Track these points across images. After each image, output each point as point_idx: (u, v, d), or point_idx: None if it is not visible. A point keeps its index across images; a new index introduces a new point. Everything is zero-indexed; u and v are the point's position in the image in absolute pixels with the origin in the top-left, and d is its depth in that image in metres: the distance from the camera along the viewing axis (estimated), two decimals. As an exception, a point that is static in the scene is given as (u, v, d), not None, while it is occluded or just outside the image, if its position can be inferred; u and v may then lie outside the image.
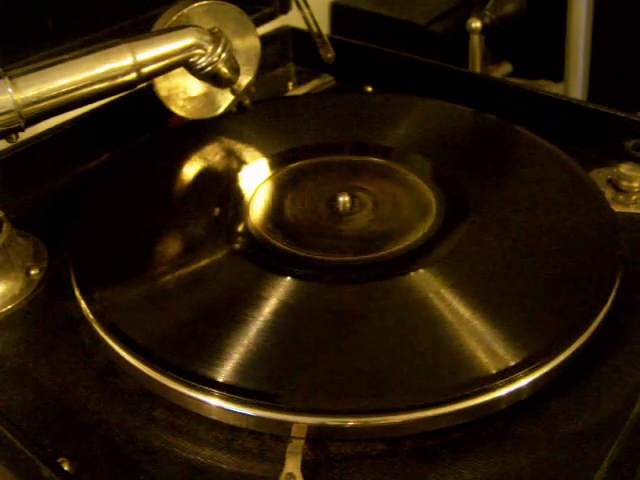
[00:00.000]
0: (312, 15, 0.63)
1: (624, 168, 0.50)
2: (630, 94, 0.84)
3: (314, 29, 0.63)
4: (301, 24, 0.66)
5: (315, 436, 0.35)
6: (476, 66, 0.66)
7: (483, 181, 0.49)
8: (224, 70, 0.51)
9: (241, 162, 0.53)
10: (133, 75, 0.46)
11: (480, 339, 0.37)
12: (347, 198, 0.48)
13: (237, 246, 0.45)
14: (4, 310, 0.44)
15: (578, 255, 0.42)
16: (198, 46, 0.49)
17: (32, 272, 0.46)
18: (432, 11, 0.93)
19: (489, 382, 0.35)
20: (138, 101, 0.58)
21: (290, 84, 0.69)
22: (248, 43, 0.56)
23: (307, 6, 0.62)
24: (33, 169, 0.55)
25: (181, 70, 0.52)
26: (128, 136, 0.59)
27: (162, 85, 0.54)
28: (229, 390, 0.35)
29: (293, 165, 0.53)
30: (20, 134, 0.44)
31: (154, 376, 0.37)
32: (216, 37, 0.50)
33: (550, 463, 0.34)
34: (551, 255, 0.42)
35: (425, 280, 0.40)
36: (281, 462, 0.34)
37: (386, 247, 0.44)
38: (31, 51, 0.54)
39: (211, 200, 0.48)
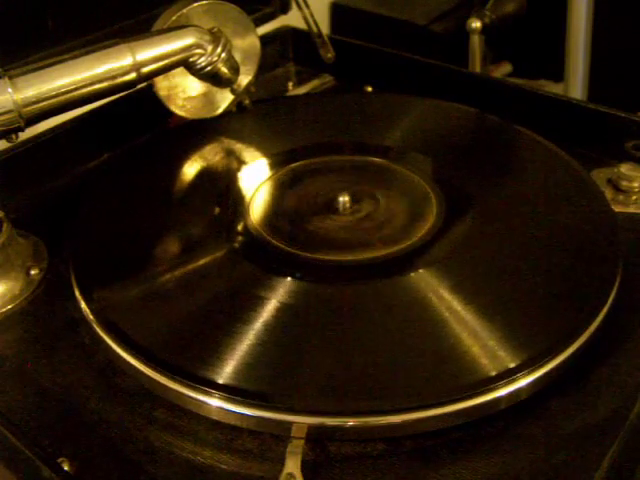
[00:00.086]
0: (312, 15, 0.63)
1: (624, 168, 0.50)
2: (630, 94, 0.84)
3: (314, 29, 0.63)
4: (301, 24, 0.66)
5: (315, 436, 0.35)
6: (476, 66, 0.66)
7: (483, 181, 0.49)
8: (224, 70, 0.51)
9: (241, 162, 0.53)
10: (133, 75, 0.46)
11: (480, 339, 0.37)
12: (347, 198, 0.48)
13: (237, 246, 0.45)
14: (4, 310, 0.44)
15: (578, 255, 0.42)
16: (198, 46, 0.49)
17: (32, 272, 0.46)
18: (432, 11, 0.93)
19: (489, 382, 0.35)
20: (138, 101, 0.58)
21: (290, 84, 0.69)
22: (248, 43, 0.56)
23: (307, 6, 0.62)
24: (33, 169, 0.55)
25: (181, 70, 0.52)
26: (128, 136, 0.59)
27: (162, 85, 0.54)
28: (229, 390, 0.35)
29: (293, 165, 0.53)
30: (20, 134, 0.44)
31: (154, 376, 0.37)
32: (216, 37, 0.50)
33: (550, 463, 0.34)
34: (551, 255, 0.42)
35: (425, 280, 0.40)
36: (281, 462, 0.34)
37: (386, 247, 0.44)
38: (31, 51, 0.54)
39: (211, 200, 0.48)
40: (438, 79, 0.63)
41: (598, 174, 0.52)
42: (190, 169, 0.52)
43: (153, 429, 0.37)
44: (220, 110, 0.57)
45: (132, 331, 0.38)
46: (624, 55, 0.87)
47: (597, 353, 0.39)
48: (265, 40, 0.64)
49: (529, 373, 0.35)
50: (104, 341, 0.39)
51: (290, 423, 0.34)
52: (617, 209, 0.48)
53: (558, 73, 0.89)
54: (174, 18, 0.52)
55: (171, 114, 0.56)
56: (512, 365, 0.35)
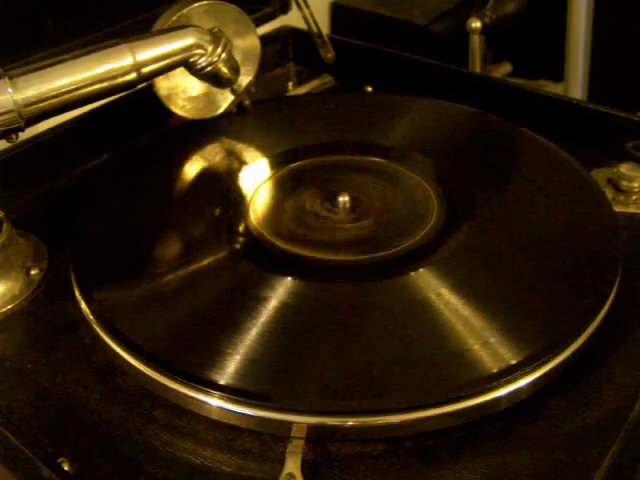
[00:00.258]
0: (312, 15, 0.63)
1: (624, 168, 0.50)
2: (630, 94, 0.84)
3: (314, 29, 0.63)
4: (301, 24, 0.66)
5: (315, 436, 0.35)
6: (476, 66, 0.66)
7: (483, 181, 0.49)
8: (224, 70, 0.51)
9: (241, 162, 0.53)
10: (133, 75, 0.46)
11: (480, 339, 0.37)
12: (347, 198, 0.48)
13: (237, 246, 0.45)
14: (4, 310, 0.44)
15: (578, 255, 0.42)
16: (198, 46, 0.49)
17: (32, 272, 0.46)
18: (432, 11, 0.93)
19: (489, 382, 0.35)
20: (138, 101, 0.58)
21: (290, 84, 0.69)
22: (248, 43, 0.56)
23: (307, 6, 0.62)
24: (33, 169, 0.55)
25: (181, 70, 0.52)
26: (128, 136, 0.59)
27: (162, 85, 0.54)
28: (229, 390, 0.35)
29: (293, 165, 0.53)
30: (20, 134, 0.44)
31: (154, 376, 0.37)
32: (216, 37, 0.50)
33: (550, 463, 0.34)
34: (551, 255, 0.42)
35: (425, 280, 0.40)
36: (281, 462, 0.34)
37: (386, 247, 0.44)
38: (31, 51, 0.54)
39: (211, 200, 0.48)
40: (438, 79, 0.63)
41: (598, 174, 0.52)
42: (190, 169, 0.52)
43: (153, 429, 0.37)
44: (220, 110, 0.57)
45: (132, 331, 0.38)
46: (624, 55, 0.87)
47: (597, 353, 0.39)
48: (265, 40, 0.64)
49: (529, 373, 0.35)
50: (104, 341, 0.39)
51: (290, 423, 0.34)
52: (617, 209, 0.48)
53: (558, 73, 0.89)
54: (174, 18, 0.52)
55: (171, 114, 0.56)
56: (512, 365, 0.35)
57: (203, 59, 0.50)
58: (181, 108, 0.56)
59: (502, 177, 0.50)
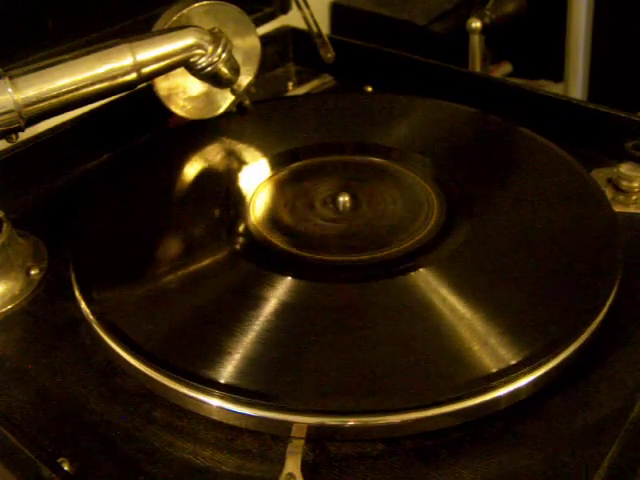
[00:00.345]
0: (312, 15, 0.63)
1: (624, 168, 0.50)
2: (630, 94, 0.84)
3: (314, 29, 0.63)
4: (301, 24, 0.66)
5: (315, 436, 0.35)
6: (476, 66, 0.66)
7: (484, 181, 0.49)
8: (224, 70, 0.51)
9: (241, 162, 0.53)
10: (133, 75, 0.46)
11: (480, 339, 0.37)
12: (347, 198, 0.48)
13: (237, 246, 0.45)
14: (4, 310, 0.44)
15: (578, 255, 0.42)
16: (198, 46, 0.49)
17: (32, 272, 0.46)
18: (432, 11, 0.93)
19: (489, 382, 0.35)
20: (138, 101, 0.58)
21: (290, 84, 0.69)
22: (248, 43, 0.56)
23: (307, 6, 0.62)
24: (33, 169, 0.55)
25: (181, 70, 0.52)
26: (128, 136, 0.59)
27: (162, 85, 0.54)
28: (229, 390, 0.35)
29: (293, 165, 0.53)
30: (20, 134, 0.44)
31: (154, 376, 0.37)
32: (216, 37, 0.50)
33: (550, 463, 0.34)
34: (551, 255, 0.42)
35: (425, 280, 0.40)
36: (281, 462, 0.34)
37: (386, 247, 0.44)
38: (31, 51, 0.54)
39: (211, 200, 0.48)
40: (438, 79, 0.63)
41: (598, 174, 0.52)
42: (190, 169, 0.52)
43: (153, 429, 0.37)
44: (220, 110, 0.57)
45: (132, 331, 0.38)
46: (624, 55, 0.87)
47: (597, 353, 0.39)
48: (265, 40, 0.64)
49: (529, 372, 0.35)
50: (104, 341, 0.39)
51: (290, 423, 0.34)
52: (617, 209, 0.48)
53: (558, 73, 0.89)
54: (175, 18, 0.52)
55: (171, 114, 0.56)
56: (512, 365, 0.35)
57: (203, 59, 0.50)
58: (181, 108, 0.56)
59: (502, 177, 0.50)
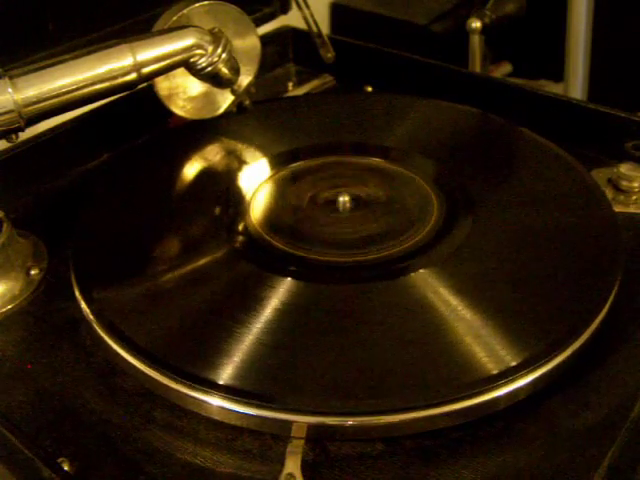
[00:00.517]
0: (312, 15, 0.63)
1: (624, 168, 0.50)
2: (630, 94, 0.84)
3: (314, 29, 0.63)
4: (301, 24, 0.66)
5: (315, 436, 0.35)
6: (476, 66, 0.66)
7: (484, 181, 0.49)
8: (224, 70, 0.51)
9: (241, 162, 0.53)
10: (133, 75, 0.46)
11: (480, 339, 0.37)
12: (347, 198, 0.48)
13: (237, 246, 0.45)
14: (4, 310, 0.44)
15: (578, 255, 0.42)
16: (198, 46, 0.49)
17: (32, 272, 0.46)
18: (432, 11, 0.93)
19: (489, 382, 0.35)
20: (138, 101, 0.58)
21: (290, 84, 0.69)
22: (248, 43, 0.56)
23: (307, 6, 0.63)
24: (33, 169, 0.55)
25: (181, 70, 0.52)
26: (128, 136, 0.59)
27: (162, 85, 0.54)
28: (229, 390, 0.35)
29: (293, 165, 0.53)
30: (20, 134, 0.44)
31: (154, 376, 0.37)
32: (216, 37, 0.50)
33: (550, 463, 0.34)
34: (551, 255, 0.42)
35: (425, 280, 0.40)
36: (281, 462, 0.34)
37: (386, 247, 0.44)
38: (31, 51, 0.54)
39: (211, 200, 0.48)
40: (438, 79, 0.63)
41: (598, 174, 0.52)
42: (190, 169, 0.52)
43: (153, 429, 0.37)
44: (220, 110, 0.57)
45: (132, 331, 0.38)
46: (624, 55, 0.87)
47: (597, 353, 0.39)
48: (265, 40, 0.64)
49: (529, 373, 0.35)
50: (104, 341, 0.39)
51: (290, 423, 0.34)
52: (617, 209, 0.48)
53: (558, 73, 0.88)
54: (175, 18, 0.52)
55: (171, 114, 0.56)
56: (511, 365, 0.35)
57: (203, 59, 0.50)
58: (181, 108, 0.56)
59: (502, 177, 0.50)
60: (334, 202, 0.48)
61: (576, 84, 0.85)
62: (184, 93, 0.55)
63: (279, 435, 0.36)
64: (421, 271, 0.41)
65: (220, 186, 0.50)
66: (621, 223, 0.46)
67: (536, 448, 0.35)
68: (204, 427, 0.37)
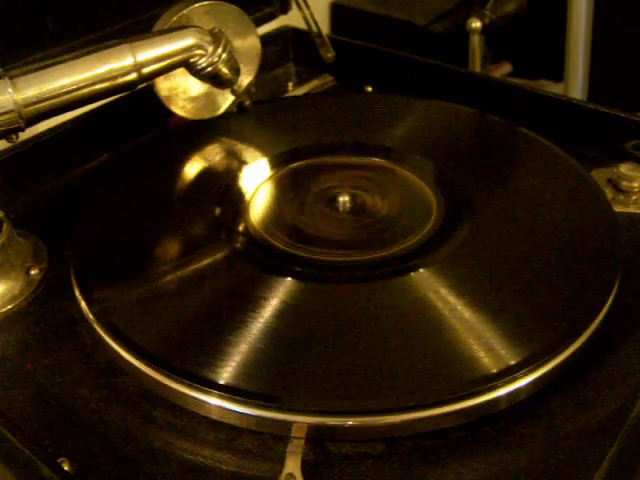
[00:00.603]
0: (312, 15, 0.63)
1: (624, 168, 0.50)
2: (630, 94, 0.84)
3: (314, 29, 0.63)
4: (301, 24, 0.66)
5: (315, 436, 0.35)
6: (476, 66, 0.66)
7: (483, 181, 0.49)
8: (224, 70, 0.51)
9: (241, 162, 0.53)
10: (133, 75, 0.46)
11: (480, 339, 0.37)
12: (347, 198, 0.48)
13: (237, 246, 0.45)
14: (4, 310, 0.44)
15: (578, 255, 0.42)
16: (198, 46, 0.49)
17: (32, 272, 0.46)
18: (432, 11, 0.93)
19: (489, 382, 0.35)
20: (138, 101, 0.58)
21: (290, 84, 0.69)
22: (248, 43, 0.56)
23: (307, 6, 0.63)
24: (33, 169, 0.55)
25: (181, 70, 0.52)
26: (128, 136, 0.59)
27: (162, 85, 0.54)
28: (229, 390, 0.35)
29: (293, 165, 0.53)
30: (20, 134, 0.44)
31: (154, 376, 0.37)
32: (216, 37, 0.50)
33: (550, 463, 0.34)
34: (551, 255, 0.42)
35: (425, 280, 0.40)
36: (281, 462, 0.34)
37: (386, 247, 0.44)
38: (31, 51, 0.54)
39: (211, 200, 0.48)
40: (438, 79, 0.63)
41: (598, 174, 0.52)
42: (190, 169, 0.52)
43: (153, 429, 0.37)
44: (221, 111, 0.57)
45: (132, 331, 0.38)
46: (624, 55, 0.87)
47: (597, 353, 0.39)
48: (265, 40, 0.64)
49: (529, 373, 0.35)
50: (104, 341, 0.39)
51: (290, 423, 0.34)
52: (617, 209, 0.48)
53: (558, 73, 0.89)
54: (175, 19, 0.52)
55: (171, 114, 0.56)
56: (512, 365, 0.35)
57: (203, 60, 0.50)
58: (181, 108, 0.56)
59: (501, 177, 0.50)
60: (334, 202, 0.48)
61: (576, 84, 0.85)
62: (184, 93, 0.55)
63: (279, 435, 0.36)
64: (421, 271, 0.41)
65: (220, 186, 0.50)
66: (621, 223, 0.46)
67: (536, 448, 0.35)
68: (204, 427, 0.37)
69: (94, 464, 0.35)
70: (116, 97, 0.52)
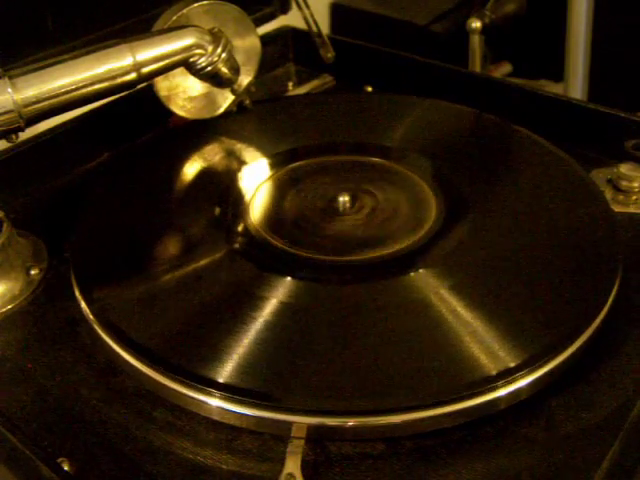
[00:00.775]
0: (312, 15, 0.63)
1: (624, 168, 0.50)
2: (630, 94, 0.84)
3: (314, 29, 0.63)
4: (301, 24, 0.66)
5: (315, 436, 0.35)
6: (476, 66, 0.66)
7: (483, 181, 0.49)
8: (224, 70, 0.51)
9: (241, 162, 0.53)
10: (133, 75, 0.46)
11: (480, 339, 0.37)
12: (347, 198, 0.48)
13: (237, 246, 0.45)
14: (4, 310, 0.44)
15: (578, 255, 0.42)
16: (198, 46, 0.49)
17: (32, 272, 0.46)
18: (432, 11, 0.93)
19: (489, 382, 0.35)
20: (138, 101, 0.58)
21: (290, 84, 0.69)
22: (248, 43, 0.56)
23: (307, 6, 0.62)
24: (33, 169, 0.55)
25: (181, 70, 0.52)
26: (128, 136, 0.59)
27: (162, 85, 0.54)
28: (229, 390, 0.35)
29: (293, 165, 0.53)
30: (20, 134, 0.44)
31: (154, 376, 0.37)
32: (216, 37, 0.50)
33: (550, 463, 0.34)
34: (551, 255, 0.42)
35: (425, 280, 0.40)
36: (281, 462, 0.34)
37: (386, 247, 0.44)
38: (31, 51, 0.54)
39: (211, 200, 0.48)
40: (438, 79, 0.63)
41: (598, 174, 0.52)
42: (190, 169, 0.52)
43: (153, 429, 0.37)
44: (221, 110, 0.57)
45: (132, 331, 0.38)
46: (624, 55, 0.87)
47: (597, 353, 0.39)
48: (265, 40, 0.64)
49: (529, 373, 0.35)
50: (104, 341, 0.39)
51: (290, 423, 0.34)
52: (617, 209, 0.49)
53: (558, 73, 0.89)
54: (174, 18, 0.52)
55: (171, 114, 0.56)
56: (512, 365, 0.35)
57: (203, 59, 0.50)
58: (181, 108, 0.56)
59: (501, 177, 0.50)
60: (334, 202, 0.48)
61: (576, 84, 0.85)
62: (184, 93, 0.55)
63: (279, 435, 0.36)
64: (421, 271, 0.41)
65: (220, 186, 0.50)
66: (621, 223, 0.46)
67: (536, 448, 0.35)
68: (204, 427, 0.37)
69: (94, 464, 0.35)
70: (116, 97, 0.52)
